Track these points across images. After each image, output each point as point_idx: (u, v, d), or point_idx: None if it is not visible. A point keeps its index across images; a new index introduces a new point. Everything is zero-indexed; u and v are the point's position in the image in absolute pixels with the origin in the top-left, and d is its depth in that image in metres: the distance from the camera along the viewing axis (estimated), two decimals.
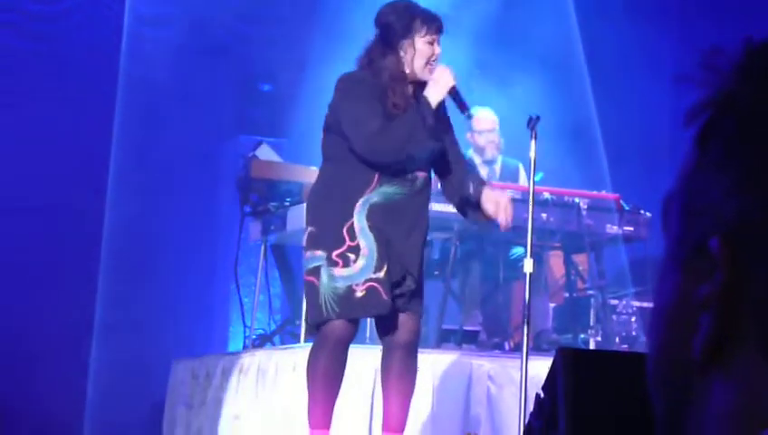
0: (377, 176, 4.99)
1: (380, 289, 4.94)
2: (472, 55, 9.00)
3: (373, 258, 4.96)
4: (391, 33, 5.08)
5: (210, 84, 9.71)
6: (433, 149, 5.03)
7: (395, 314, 5.12)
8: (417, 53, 5.04)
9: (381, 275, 4.95)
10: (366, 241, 4.97)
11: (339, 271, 4.95)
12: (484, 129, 8.09)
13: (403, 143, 4.92)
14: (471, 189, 5.12)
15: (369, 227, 4.97)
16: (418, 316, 5.19)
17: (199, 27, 9.65)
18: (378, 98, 4.98)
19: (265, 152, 8.26)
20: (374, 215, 4.98)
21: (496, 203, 5.10)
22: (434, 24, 5.06)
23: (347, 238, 4.97)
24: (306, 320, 5.32)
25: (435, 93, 5.02)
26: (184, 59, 9.59)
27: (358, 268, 4.96)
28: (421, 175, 5.09)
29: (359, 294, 4.94)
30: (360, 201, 4.99)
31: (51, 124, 9.35)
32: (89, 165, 9.48)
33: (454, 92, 5.09)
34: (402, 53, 5.04)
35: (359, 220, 4.97)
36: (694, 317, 0.79)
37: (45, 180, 9.23)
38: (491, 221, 5.24)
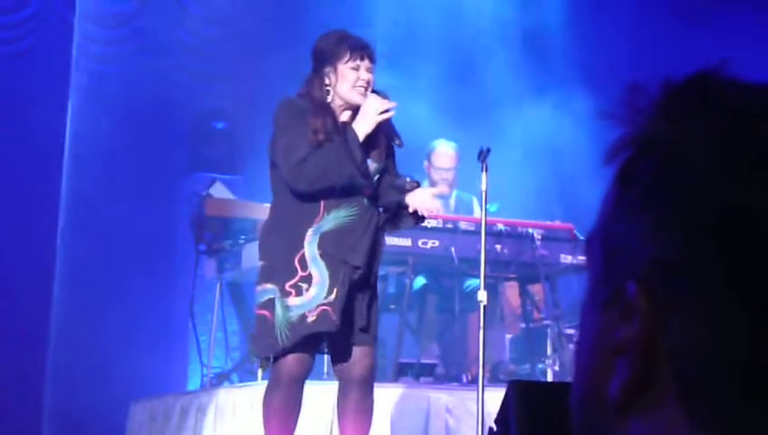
0: (322, 204, 5.01)
1: (330, 311, 4.95)
2: (428, 86, 9.06)
3: (325, 285, 4.97)
4: (317, 60, 5.15)
5: (163, 122, 9.69)
6: (357, 182, 5.03)
7: (350, 350, 5.11)
8: (340, 78, 5.07)
9: (332, 298, 4.96)
10: (318, 270, 4.98)
11: (292, 300, 4.96)
12: (440, 166, 8.09)
13: (322, 174, 4.94)
14: (404, 182, 5.15)
15: (321, 255, 4.98)
16: (373, 349, 5.18)
17: (152, 65, 9.64)
18: (305, 120, 5.02)
19: (219, 190, 8.26)
20: (325, 243, 4.99)
21: (420, 197, 5.15)
22: (358, 50, 5.09)
23: (299, 269, 4.98)
24: (252, 351, 5.26)
25: (362, 125, 5.04)
26: (137, 96, 9.57)
27: (310, 297, 4.96)
28: (366, 193, 5.12)
29: (310, 319, 4.95)
30: (310, 231, 5.00)
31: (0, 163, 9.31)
32: (40, 204, 9.43)
33: (384, 122, 5.11)
34: (327, 80, 5.09)
35: (309, 250, 4.98)
36: (612, 359, 0.79)
37: None
38: (417, 221, 5.26)
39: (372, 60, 5.13)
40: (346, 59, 5.08)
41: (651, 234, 0.77)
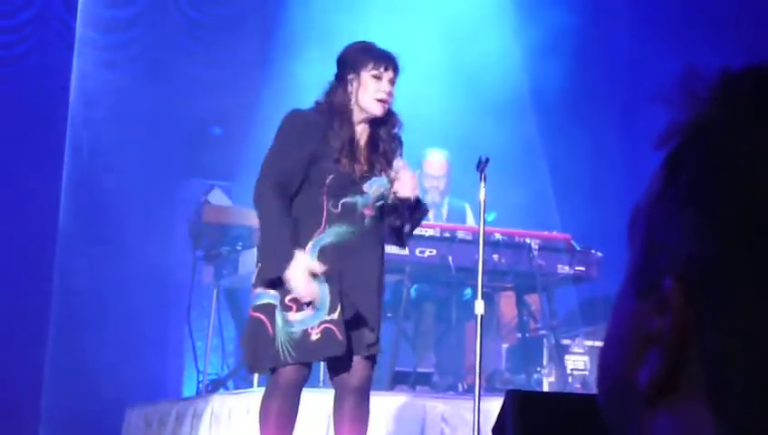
0: (325, 217, 5.01)
1: (335, 330, 4.92)
2: (423, 96, 9.06)
3: (326, 300, 4.95)
4: (341, 67, 5.15)
5: (161, 127, 9.70)
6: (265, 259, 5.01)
7: (348, 359, 5.11)
8: (362, 86, 5.07)
9: (335, 316, 4.93)
10: (318, 284, 4.96)
11: (293, 316, 4.93)
12: (431, 173, 8.13)
13: (261, 216, 4.94)
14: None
15: None
16: (372, 361, 5.17)
17: (150, 70, 9.66)
18: (310, 137, 5.01)
19: (217, 197, 8.26)
20: (325, 256, 4.97)
21: (402, 181, 5.11)
22: (383, 60, 5.09)
23: None
24: (248, 361, 5.20)
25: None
26: (135, 101, 9.58)
27: (311, 312, 4.95)
28: (369, 214, 5.11)
29: (314, 337, 4.91)
30: (310, 244, 4.98)
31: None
32: (38, 210, 9.43)
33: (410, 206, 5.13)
34: (350, 88, 5.09)
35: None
36: (644, 349, 0.79)
37: None
38: (410, 209, 5.20)
39: (396, 72, 5.13)
40: (369, 67, 5.08)
41: (692, 229, 0.77)
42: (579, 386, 7.61)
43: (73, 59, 9.64)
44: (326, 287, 4.96)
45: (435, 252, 7.42)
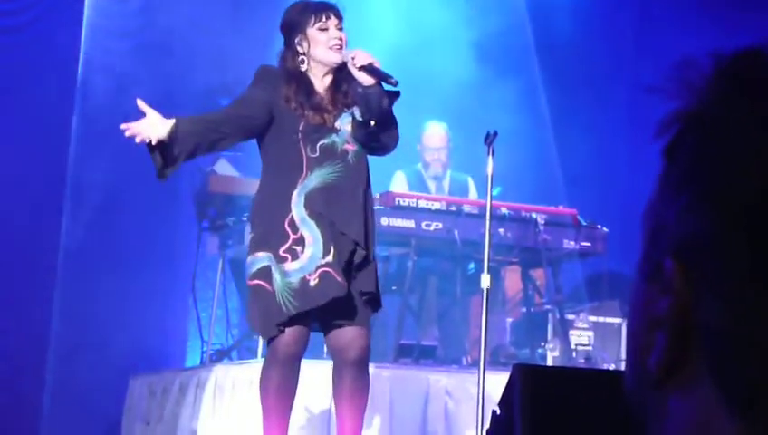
0: (305, 163, 5.03)
1: (333, 272, 4.95)
2: (423, 67, 9.04)
3: (319, 245, 4.97)
4: (286, 33, 5.24)
5: (168, 98, 9.66)
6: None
7: (344, 330, 5.11)
8: (313, 43, 5.15)
9: (330, 258, 4.96)
10: (309, 230, 4.99)
11: (289, 265, 4.95)
12: (431, 145, 8.14)
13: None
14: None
15: (309, 215, 4.99)
16: (367, 329, 5.17)
17: (158, 40, 9.62)
18: (274, 82, 5.11)
19: (223, 167, 8.25)
20: (312, 202, 5.00)
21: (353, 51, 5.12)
22: (323, 11, 5.17)
23: (290, 232, 4.99)
24: (257, 329, 5.24)
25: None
26: (142, 71, 9.55)
27: (307, 258, 4.96)
28: (351, 148, 5.12)
29: (312, 283, 4.94)
30: (295, 192, 5.02)
31: (6, 139, 9.29)
32: (45, 179, 9.41)
33: (373, 69, 5.06)
34: (300, 49, 5.15)
35: (297, 212, 5.00)
36: (653, 332, 0.80)
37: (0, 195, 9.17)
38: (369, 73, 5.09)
39: (339, 17, 5.20)
40: (312, 22, 5.15)
41: (688, 211, 0.78)
42: (583, 361, 7.61)
43: (83, 28, 9.61)
44: (318, 232, 4.99)
45: (441, 225, 7.41)
